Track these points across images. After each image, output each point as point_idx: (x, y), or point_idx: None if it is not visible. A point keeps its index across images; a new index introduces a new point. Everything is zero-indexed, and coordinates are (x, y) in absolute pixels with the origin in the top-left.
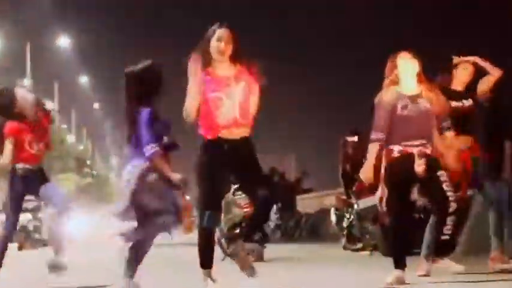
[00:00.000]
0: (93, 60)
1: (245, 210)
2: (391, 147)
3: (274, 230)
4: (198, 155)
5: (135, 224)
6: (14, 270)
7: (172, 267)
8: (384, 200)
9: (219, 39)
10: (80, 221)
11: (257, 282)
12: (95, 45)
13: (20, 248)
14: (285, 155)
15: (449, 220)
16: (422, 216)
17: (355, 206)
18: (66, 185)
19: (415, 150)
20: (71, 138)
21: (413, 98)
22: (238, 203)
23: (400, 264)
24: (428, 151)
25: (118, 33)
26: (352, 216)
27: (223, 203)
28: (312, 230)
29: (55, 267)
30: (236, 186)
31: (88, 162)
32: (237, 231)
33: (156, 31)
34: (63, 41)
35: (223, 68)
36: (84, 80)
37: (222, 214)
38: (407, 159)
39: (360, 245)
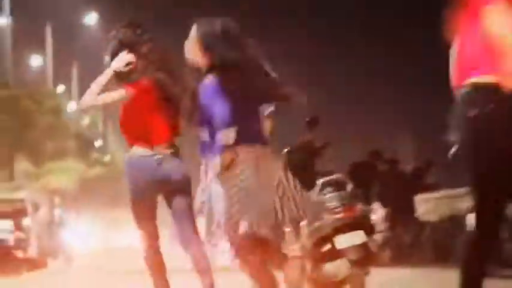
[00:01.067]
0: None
1: (338, 216)
2: None
3: (382, 247)
4: None
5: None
6: None
7: None
8: None
9: None
10: (83, 231)
11: None
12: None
13: None
14: (398, 134)
15: None
16: None
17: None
18: (63, 179)
19: None
20: (71, 106)
21: None
22: (327, 206)
23: None
24: None
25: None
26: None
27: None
28: (438, 247)
29: None
30: (324, 179)
31: (97, 143)
32: (326, 248)
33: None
34: (89, 18)
35: None
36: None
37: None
38: None
39: None
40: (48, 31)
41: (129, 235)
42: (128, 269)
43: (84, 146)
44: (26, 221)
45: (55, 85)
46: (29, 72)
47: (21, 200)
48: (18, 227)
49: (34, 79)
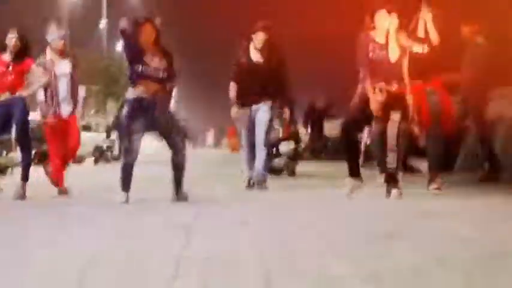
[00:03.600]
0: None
1: (281, 133)
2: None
3: (305, 150)
4: None
5: None
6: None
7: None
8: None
9: None
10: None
11: (288, 191)
12: None
13: (96, 162)
14: (315, 87)
15: (389, 153)
16: None
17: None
18: None
19: (377, 87)
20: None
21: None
22: (274, 127)
23: (354, 172)
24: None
25: None
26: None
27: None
28: (336, 150)
29: None
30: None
31: None
32: (274, 150)
33: None
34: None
35: None
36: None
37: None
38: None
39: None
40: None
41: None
42: None
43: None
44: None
45: None
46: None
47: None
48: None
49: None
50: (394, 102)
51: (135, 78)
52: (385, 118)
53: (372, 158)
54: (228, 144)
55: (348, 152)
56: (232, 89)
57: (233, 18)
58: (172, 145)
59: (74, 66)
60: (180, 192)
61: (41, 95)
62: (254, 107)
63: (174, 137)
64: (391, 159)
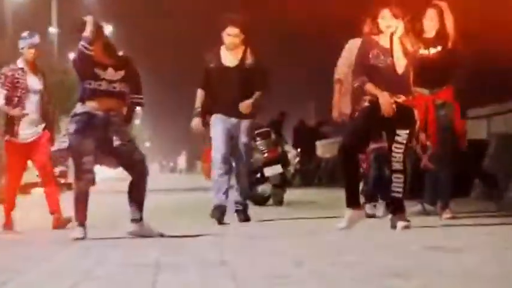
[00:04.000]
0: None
1: (265, 155)
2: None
3: (294, 175)
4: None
5: None
6: None
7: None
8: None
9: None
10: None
11: (274, 226)
12: None
13: None
14: (305, 102)
15: (394, 177)
16: None
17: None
18: None
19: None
20: None
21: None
22: (259, 149)
23: (353, 201)
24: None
25: None
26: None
27: None
28: (331, 174)
29: None
30: (257, 131)
31: None
32: (258, 176)
33: None
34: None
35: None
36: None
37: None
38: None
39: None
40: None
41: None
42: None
43: None
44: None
45: None
46: None
47: None
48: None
49: None
50: (400, 117)
51: (87, 95)
52: (389, 136)
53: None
54: (203, 169)
55: (346, 178)
56: (199, 96)
57: (209, 24)
58: (131, 169)
59: (44, 83)
60: (141, 222)
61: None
62: (232, 120)
63: (133, 161)
64: (397, 185)
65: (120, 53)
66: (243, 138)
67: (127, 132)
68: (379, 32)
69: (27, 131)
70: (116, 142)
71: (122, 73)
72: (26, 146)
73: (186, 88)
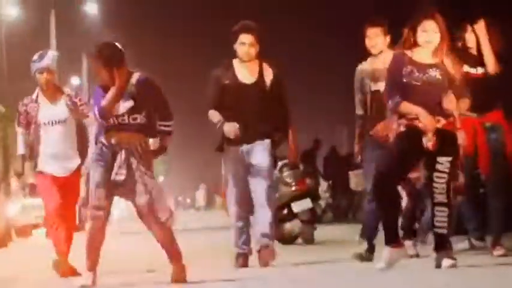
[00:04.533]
0: (129, 28)
1: (293, 188)
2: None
3: (325, 210)
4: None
5: None
6: None
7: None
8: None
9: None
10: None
11: (305, 271)
12: (129, 9)
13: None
14: (336, 127)
15: (437, 211)
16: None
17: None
18: None
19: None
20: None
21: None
22: (285, 181)
23: (392, 238)
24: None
25: None
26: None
27: None
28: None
29: None
30: (283, 162)
31: None
32: (285, 212)
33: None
34: (90, 7)
35: None
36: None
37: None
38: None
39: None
40: (84, 60)
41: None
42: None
43: None
44: None
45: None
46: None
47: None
48: None
49: None
50: (441, 143)
51: (99, 131)
52: (429, 164)
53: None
54: (224, 204)
55: (383, 212)
56: (213, 113)
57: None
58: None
59: (73, 110)
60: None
61: (20, 147)
62: (245, 147)
63: (152, 203)
64: (441, 219)
65: (134, 77)
66: (259, 158)
67: (143, 165)
68: (415, 44)
69: (53, 167)
70: (121, 177)
71: (129, 104)
72: (57, 180)
73: (204, 116)
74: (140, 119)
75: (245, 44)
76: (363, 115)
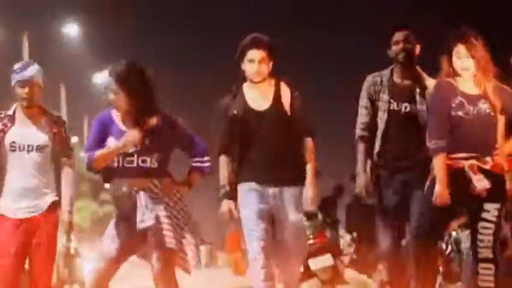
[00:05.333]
0: (110, 53)
1: (310, 242)
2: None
3: (349, 267)
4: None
5: None
6: None
7: None
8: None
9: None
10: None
11: None
12: (110, 33)
13: None
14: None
15: (482, 268)
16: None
17: (453, 233)
18: (77, 216)
19: (466, 164)
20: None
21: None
22: None
23: None
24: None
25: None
26: (450, 246)
27: None
28: None
29: None
30: None
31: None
32: (301, 270)
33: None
34: (71, 30)
35: None
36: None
37: None
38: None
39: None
40: (63, 90)
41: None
42: None
43: (95, 187)
44: None
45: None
46: None
47: None
48: None
49: None
50: (489, 187)
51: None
52: (473, 212)
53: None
54: (229, 261)
55: (419, 271)
56: (223, 166)
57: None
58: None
59: (57, 135)
60: None
61: None
62: (265, 191)
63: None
64: (486, 278)
65: (154, 119)
66: (292, 215)
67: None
68: (455, 74)
69: (17, 205)
70: (140, 224)
71: (157, 141)
72: (20, 223)
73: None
74: (151, 162)
75: (254, 61)
76: (368, 137)
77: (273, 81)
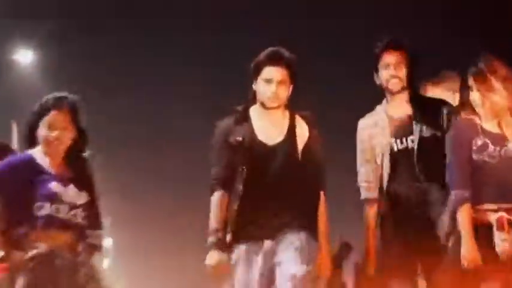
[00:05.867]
0: (64, 81)
1: None
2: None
3: None
4: None
5: None
6: None
7: None
8: None
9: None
10: None
11: None
12: (66, 59)
13: None
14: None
15: None
16: None
17: None
18: None
19: (493, 218)
20: None
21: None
22: None
23: None
24: None
25: (99, 39)
26: None
27: None
28: None
29: None
30: None
31: None
32: None
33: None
34: (23, 55)
35: None
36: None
37: None
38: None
39: None
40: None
41: None
42: None
43: None
44: None
45: None
46: None
47: None
48: None
49: None
50: None
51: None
52: (497, 279)
53: None
54: None
55: None
56: (216, 205)
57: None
58: None
59: None
60: None
61: None
62: (268, 244)
63: None
64: None
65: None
66: (292, 268)
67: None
68: (474, 112)
69: None
70: None
71: (85, 194)
72: None
73: (178, 216)
74: (84, 218)
75: (272, 81)
76: (375, 199)
77: (287, 112)
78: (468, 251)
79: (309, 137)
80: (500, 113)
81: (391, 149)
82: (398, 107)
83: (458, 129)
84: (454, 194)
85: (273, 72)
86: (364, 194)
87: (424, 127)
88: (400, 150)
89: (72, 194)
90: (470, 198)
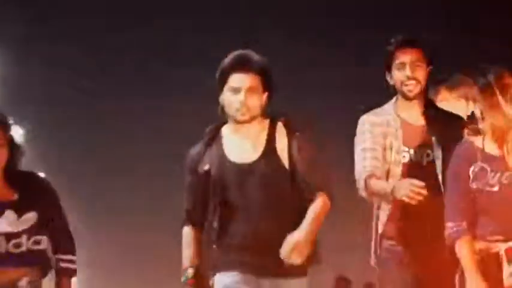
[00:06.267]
0: (55, 158)
1: None
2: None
3: None
4: None
5: None
6: None
7: None
8: None
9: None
10: None
11: None
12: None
13: None
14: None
15: None
16: None
17: None
18: None
19: (502, 249)
20: None
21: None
22: None
23: None
24: None
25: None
26: None
27: None
28: None
29: None
30: None
31: None
32: None
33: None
34: (14, 133)
35: None
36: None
37: None
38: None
39: None
40: None
41: None
42: None
43: None
44: None
45: None
46: None
47: None
48: None
49: None
50: None
51: None
52: None
53: None
54: None
55: None
56: (189, 240)
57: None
58: None
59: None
60: None
61: None
62: (266, 283)
63: None
64: None
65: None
66: None
67: None
68: (478, 132)
69: None
70: None
71: (34, 216)
72: None
73: (149, 247)
74: (43, 244)
75: (240, 89)
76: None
77: (266, 122)
78: (474, 284)
79: (289, 143)
80: (502, 134)
81: (403, 157)
82: (411, 111)
83: (456, 156)
84: (448, 227)
85: (240, 79)
86: (367, 171)
87: (441, 145)
88: (413, 162)
89: (7, 222)
90: (469, 229)
